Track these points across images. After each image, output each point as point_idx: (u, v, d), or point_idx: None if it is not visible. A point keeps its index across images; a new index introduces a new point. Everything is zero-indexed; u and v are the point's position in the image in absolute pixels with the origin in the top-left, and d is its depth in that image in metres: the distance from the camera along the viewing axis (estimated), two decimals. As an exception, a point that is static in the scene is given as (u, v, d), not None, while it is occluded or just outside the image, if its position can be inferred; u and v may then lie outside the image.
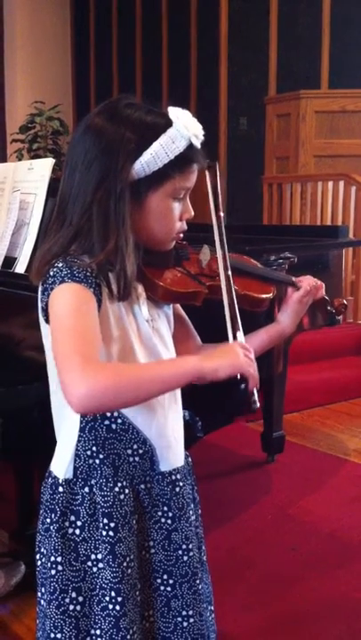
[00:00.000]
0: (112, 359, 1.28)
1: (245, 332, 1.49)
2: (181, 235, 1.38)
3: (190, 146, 1.29)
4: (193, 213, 1.36)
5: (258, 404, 1.29)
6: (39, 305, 1.29)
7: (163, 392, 1.28)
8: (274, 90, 6.85)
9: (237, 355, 1.25)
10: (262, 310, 1.53)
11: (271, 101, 6.45)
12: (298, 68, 6.67)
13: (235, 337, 1.32)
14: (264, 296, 1.49)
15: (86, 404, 1.18)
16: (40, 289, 1.28)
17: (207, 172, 1.39)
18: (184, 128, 1.27)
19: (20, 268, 2.31)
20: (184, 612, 1.39)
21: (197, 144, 1.30)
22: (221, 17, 7.14)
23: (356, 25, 6.35)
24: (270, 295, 1.50)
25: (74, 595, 1.32)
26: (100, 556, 1.32)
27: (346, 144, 5.96)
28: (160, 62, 7.98)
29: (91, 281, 1.24)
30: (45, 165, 2.41)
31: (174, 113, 1.28)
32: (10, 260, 2.38)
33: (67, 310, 1.22)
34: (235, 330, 1.33)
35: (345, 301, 1.65)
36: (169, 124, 1.28)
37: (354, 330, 5.17)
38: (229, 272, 1.36)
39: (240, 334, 1.33)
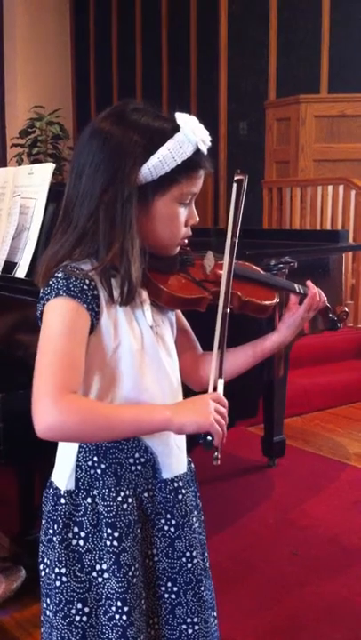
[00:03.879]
0: (116, 368, 1.28)
1: (246, 340, 1.49)
2: (186, 240, 1.38)
3: (197, 151, 1.28)
4: (198, 219, 1.36)
5: (218, 462, 1.28)
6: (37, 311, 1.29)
7: (125, 438, 1.30)
8: (273, 94, 6.86)
9: (208, 414, 1.23)
10: (265, 317, 1.53)
11: (271, 106, 6.45)
12: (297, 73, 6.68)
13: (215, 387, 1.31)
14: (267, 303, 1.49)
15: (48, 434, 1.20)
16: (39, 296, 1.28)
17: (234, 185, 1.35)
18: (191, 133, 1.27)
19: (21, 272, 2.31)
20: (189, 620, 1.39)
21: (204, 149, 1.30)
22: (221, 21, 7.15)
23: (355, 29, 6.36)
24: (274, 302, 1.50)
25: (80, 605, 1.32)
26: (105, 567, 1.31)
27: (345, 148, 5.96)
28: (160, 67, 7.99)
29: (86, 295, 1.23)
30: (46, 170, 2.41)
31: (182, 118, 1.28)
32: (10, 265, 2.38)
33: (56, 330, 1.22)
34: (217, 376, 1.31)
35: (346, 309, 1.64)
36: (176, 128, 1.27)
37: (354, 334, 5.17)
38: (228, 310, 1.34)
39: (221, 383, 1.31)
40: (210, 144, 1.31)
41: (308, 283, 1.55)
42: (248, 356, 1.48)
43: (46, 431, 1.18)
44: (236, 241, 1.36)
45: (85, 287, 1.24)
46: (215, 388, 1.30)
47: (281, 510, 3.03)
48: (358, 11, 6.35)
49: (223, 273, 1.35)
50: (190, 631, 1.39)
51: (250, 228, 4.09)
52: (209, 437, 1.24)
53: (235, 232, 1.35)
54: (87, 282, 1.24)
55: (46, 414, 1.17)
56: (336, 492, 3.24)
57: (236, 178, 1.36)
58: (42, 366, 1.21)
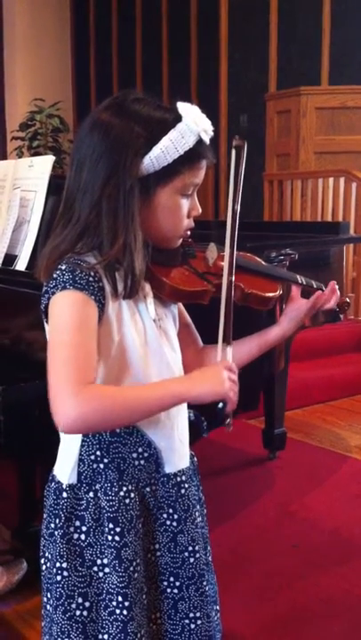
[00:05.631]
0: (119, 361, 1.28)
1: (246, 333, 1.48)
2: (188, 232, 1.37)
3: (199, 141, 1.27)
4: (200, 210, 1.35)
5: (231, 427, 1.29)
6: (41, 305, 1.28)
7: (147, 417, 1.30)
8: (274, 86, 6.84)
9: (222, 381, 1.25)
10: (268, 309, 1.52)
11: (271, 98, 6.43)
12: (298, 65, 6.66)
13: (224, 353, 1.32)
14: (270, 295, 1.48)
15: (73, 428, 1.22)
16: (43, 289, 1.27)
17: (233, 151, 1.32)
18: (193, 123, 1.26)
19: (21, 265, 2.30)
20: (191, 614, 1.39)
21: (207, 139, 1.29)
22: (221, 14, 7.13)
23: (356, 21, 6.33)
24: (277, 294, 1.49)
25: (80, 600, 1.32)
26: (106, 561, 1.31)
27: (346, 140, 5.94)
28: (160, 59, 7.97)
29: (92, 287, 1.23)
30: (46, 163, 2.40)
31: (184, 108, 1.27)
32: (10, 258, 2.37)
33: (66, 323, 1.22)
34: (225, 343, 1.32)
35: (348, 299, 1.63)
36: (178, 119, 1.26)
37: (355, 327, 5.17)
38: (233, 277, 1.34)
39: (229, 350, 1.32)
40: (212, 134, 1.30)
41: (333, 284, 1.52)
42: (252, 349, 1.48)
43: (71, 425, 1.20)
44: (238, 208, 1.34)
45: (91, 279, 1.23)
46: (224, 357, 1.31)
47: (282, 503, 3.03)
48: (358, 2, 6.33)
49: (227, 238, 1.34)
50: (193, 626, 1.39)
51: (251, 221, 4.09)
52: (221, 404, 1.25)
53: (235, 199, 1.34)
54: (92, 274, 1.23)
55: (68, 409, 1.18)
56: (337, 485, 3.24)
57: (234, 144, 1.34)
58: (56, 362, 1.21)
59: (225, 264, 1.34)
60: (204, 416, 1.42)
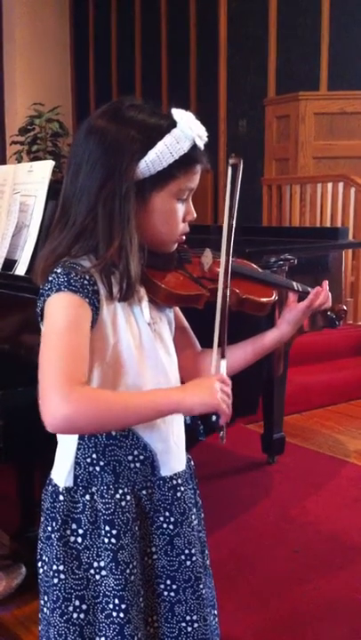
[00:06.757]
0: (114, 365, 1.29)
1: (244, 337, 1.49)
2: (184, 237, 1.38)
3: (194, 146, 1.29)
4: (195, 215, 1.36)
5: (225, 440, 1.29)
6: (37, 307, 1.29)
7: (136, 424, 1.30)
8: (273, 91, 6.85)
9: (214, 393, 1.25)
10: (263, 314, 1.52)
11: (270, 103, 6.45)
12: (297, 70, 6.67)
13: (217, 366, 1.32)
14: (265, 300, 1.49)
15: (61, 427, 1.21)
16: (39, 292, 1.28)
17: (229, 169, 1.34)
18: (188, 129, 1.28)
19: (21, 270, 2.31)
20: (188, 617, 1.39)
21: (201, 145, 1.30)
22: (221, 18, 7.14)
23: (355, 26, 6.34)
24: (272, 299, 1.50)
25: (77, 603, 1.32)
26: (102, 564, 1.32)
27: (345, 145, 5.95)
28: (160, 64, 7.98)
29: (87, 290, 1.24)
30: (45, 167, 2.41)
31: (178, 114, 1.29)
32: (10, 263, 2.38)
33: (59, 324, 1.22)
34: (220, 356, 1.32)
35: (345, 307, 1.64)
36: (173, 124, 1.28)
37: (354, 331, 5.17)
38: (228, 291, 1.34)
39: (224, 363, 1.32)
40: (207, 139, 1.32)
41: (324, 284, 1.55)
42: (248, 353, 1.48)
43: (59, 425, 1.19)
44: (234, 223, 1.35)
45: (86, 282, 1.24)
46: (218, 370, 1.31)
47: (281, 507, 3.03)
48: (358, 7, 6.34)
49: (222, 252, 1.35)
50: (189, 629, 1.39)
51: (250, 226, 4.09)
52: (214, 417, 1.26)
53: (232, 214, 1.35)
54: (87, 277, 1.25)
55: (58, 408, 1.17)
56: (336, 490, 3.24)
57: (231, 162, 1.35)
58: (47, 362, 1.21)
59: (220, 275, 1.35)
60: (201, 420, 1.42)
